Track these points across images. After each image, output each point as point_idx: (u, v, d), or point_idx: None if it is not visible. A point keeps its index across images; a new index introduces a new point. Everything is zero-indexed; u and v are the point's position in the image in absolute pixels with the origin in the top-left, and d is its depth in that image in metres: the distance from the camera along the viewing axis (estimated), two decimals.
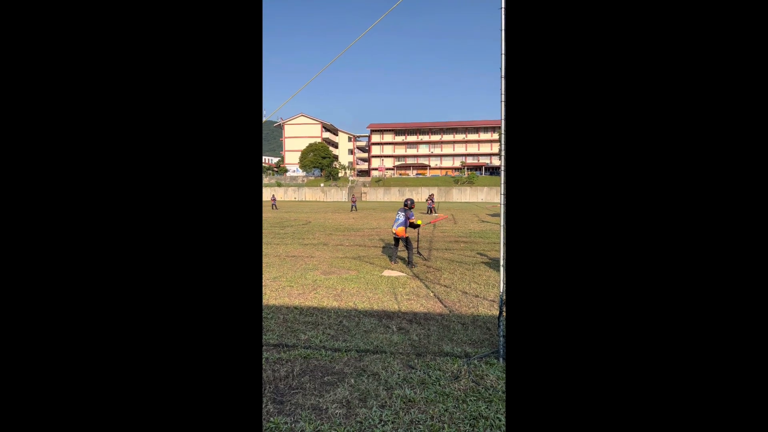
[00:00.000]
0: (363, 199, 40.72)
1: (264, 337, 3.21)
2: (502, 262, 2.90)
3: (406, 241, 6.19)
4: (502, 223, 2.88)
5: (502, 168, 2.84)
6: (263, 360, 2.76)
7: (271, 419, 2.07)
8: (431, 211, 19.23)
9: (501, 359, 2.75)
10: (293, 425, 2.03)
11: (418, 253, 7.05)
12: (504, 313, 2.82)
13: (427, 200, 20.63)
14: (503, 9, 2.63)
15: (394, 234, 6.22)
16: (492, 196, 37.84)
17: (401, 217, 6.19)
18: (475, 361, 2.74)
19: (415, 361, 2.76)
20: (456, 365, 2.70)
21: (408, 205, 6.32)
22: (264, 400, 2.26)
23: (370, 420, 2.06)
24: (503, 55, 2.66)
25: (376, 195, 41.77)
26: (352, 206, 22.65)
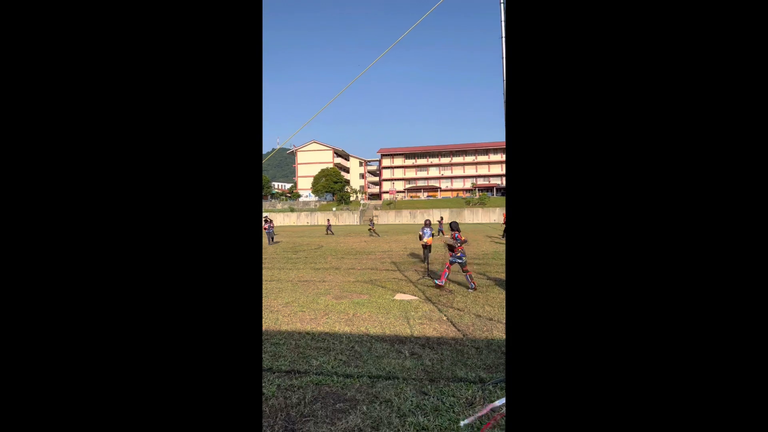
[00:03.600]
0: (375, 221, 40.84)
1: (276, 363, 3.20)
2: None
3: (429, 248, 8.07)
4: None
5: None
6: (275, 387, 2.75)
7: None
8: (442, 233, 19.26)
9: None
10: None
11: (428, 275, 6.99)
12: None
13: (437, 223, 20.79)
14: (503, 38, 2.74)
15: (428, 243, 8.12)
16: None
17: (426, 231, 8.21)
18: (490, 387, 2.67)
19: (429, 387, 2.71)
20: (470, 391, 2.63)
21: (427, 224, 8.43)
22: (275, 428, 2.24)
23: None
24: (505, 81, 2.74)
25: (387, 218, 41.89)
26: (328, 229, 21.90)
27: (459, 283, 6.55)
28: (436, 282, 6.28)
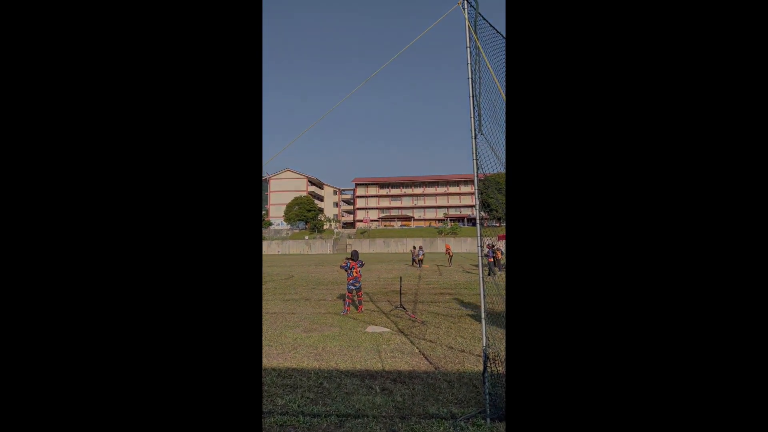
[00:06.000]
0: (348, 250, 40.47)
1: None
2: (483, 315, 2.89)
3: (420, 263, 15.37)
4: (480, 275, 2.92)
5: (477, 220, 2.95)
6: None
7: None
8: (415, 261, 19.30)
9: (488, 419, 2.62)
10: None
11: (402, 306, 6.92)
12: (488, 369, 2.74)
13: (415, 251, 20.96)
14: (469, 80, 2.91)
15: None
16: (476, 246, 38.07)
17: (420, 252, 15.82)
18: (462, 423, 2.61)
19: (399, 424, 2.61)
20: (442, 428, 2.56)
21: (420, 247, 15.18)
22: None
23: None
24: (472, 119, 2.90)
25: (361, 246, 41.61)
26: None
27: (435, 314, 6.51)
28: (342, 314, 6.65)
